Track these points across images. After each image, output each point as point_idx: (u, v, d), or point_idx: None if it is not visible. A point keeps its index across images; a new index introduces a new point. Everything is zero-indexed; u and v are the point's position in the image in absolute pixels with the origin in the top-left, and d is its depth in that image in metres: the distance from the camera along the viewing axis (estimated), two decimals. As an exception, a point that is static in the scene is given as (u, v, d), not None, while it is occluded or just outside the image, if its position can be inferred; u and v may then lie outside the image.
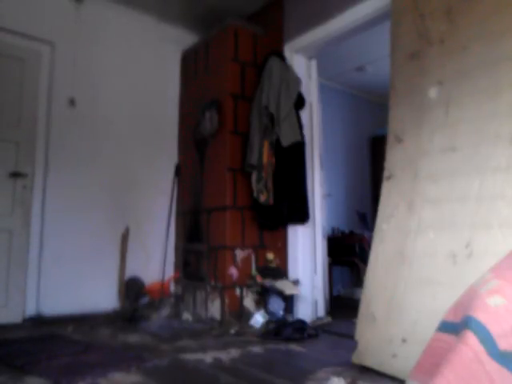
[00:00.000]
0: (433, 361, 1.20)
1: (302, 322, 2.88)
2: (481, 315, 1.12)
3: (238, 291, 3.20)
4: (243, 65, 3.54)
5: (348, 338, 2.37)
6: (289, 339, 2.64)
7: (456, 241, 1.82)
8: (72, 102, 3.45)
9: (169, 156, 3.98)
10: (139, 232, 3.70)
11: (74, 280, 3.31)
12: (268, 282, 3.14)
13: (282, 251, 3.45)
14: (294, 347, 2.50)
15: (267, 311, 3.08)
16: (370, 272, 2.16)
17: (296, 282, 3.28)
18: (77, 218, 3.39)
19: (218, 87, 3.56)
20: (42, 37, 3.39)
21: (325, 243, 3.61)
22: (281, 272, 3.32)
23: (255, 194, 3.22)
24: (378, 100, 5.72)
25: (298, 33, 3.47)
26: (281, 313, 3.09)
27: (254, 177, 3.25)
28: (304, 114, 3.42)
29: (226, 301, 3.15)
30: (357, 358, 2.03)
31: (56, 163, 3.35)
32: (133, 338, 2.67)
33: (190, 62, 4.04)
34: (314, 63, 3.65)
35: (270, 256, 3.32)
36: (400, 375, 1.77)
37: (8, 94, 3.25)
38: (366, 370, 1.95)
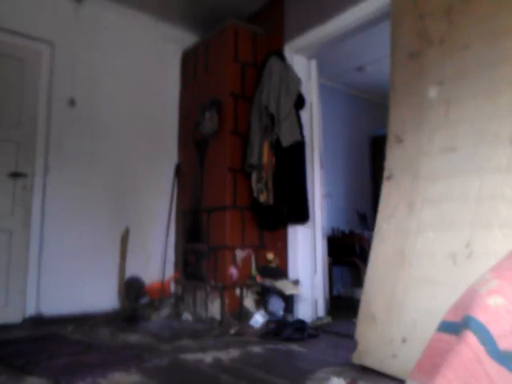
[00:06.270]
0: (433, 361, 1.20)
1: (302, 322, 2.88)
2: (481, 315, 1.12)
3: (238, 291, 3.20)
4: (243, 65, 3.54)
5: (348, 338, 2.37)
6: (289, 339, 2.64)
7: (456, 241, 1.82)
8: (72, 102, 3.45)
9: (169, 156, 3.98)
10: (139, 232, 3.70)
11: (74, 280, 3.31)
12: (268, 282, 3.14)
13: (282, 251, 3.45)
14: (294, 347, 2.50)
15: (267, 311, 3.08)
16: (370, 272, 2.16)
17: (296, 282, 3.28)
18: (77, 218, 3.39)
19: (217, 87, 3.56)
20: (41, 37, 3.39)
21: (325, 243, 3.60)
22: (281, 272, 3.32)
23: (255, 194, 3.22)
24: (378, 100, 5.72)
25: (298, 33, 3.47)
26: (281, 313, 3.09)
27: (254, 177, 3.25)
28: (304, 114, 3.42)
29: (226, 301, 3.15)
30: (357, 358, 2.03)
31: (56, 163, 3.35)
32: (133, 338, 2.67)
33: (190, 62, 4.04)
34: (313, 63, 3.65)
35: (270, 256, 3.32)
36: (400, 375, 1.77)
37: (8, 93, 3.26)
38: (366, 370, 1.95)
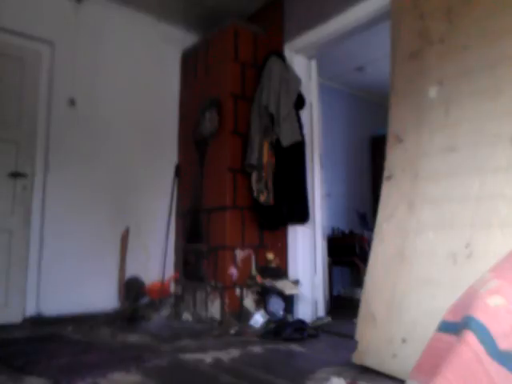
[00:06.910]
0: (433, 361, 1.20)
1: (301, 322, 2.88)
2: (481, 315, 1.12)
3: (237, 291, 3.20)
4: (243, 65, 3.54)
5: (348, 338, 2.37)
6: (289, 339, 2.63)
7: (456, 241, 1.82)
8: (72, 102, 3.45)
9: (169, 156, 3.97)
10: (139, 232, 3.70)
11: (74, 280, 3.31)
12: (268, 282, 3.14)
13: (282, 251, 3.45)
14: (294, 347, 2.50)
15: (267, 311, 3.08)
16: (370, 272, 2.16)
17: (296, 282, 3.28)
18: (77, 218, 3.39)
19: (218, 87, 3.56)
20: (41, 36, 3.39)
21: (325, 243, 3.60)
22: (281, 272, 3.32)
23: (255, 194, 3.22)
24: (378, 100, 5.72)
25: (298, 33, 3.47)
26: (281, 313, 3.09)
27: (254, 177, 3.25)
28: (304, 114, 3.42)
29: (226, 301, 3.15)
30: (357, 358, 2.03)
31: (56, 163, 3.35)
32: (133, 338, 2.67)
33: (190, 62, 4.04)
34: (314, 63, 3.65)
35: (270, 256, 3.32)
36: (400, 375, 1.77)
37: (8, 93, 3.25)
38: (366, 370, 1.95)
